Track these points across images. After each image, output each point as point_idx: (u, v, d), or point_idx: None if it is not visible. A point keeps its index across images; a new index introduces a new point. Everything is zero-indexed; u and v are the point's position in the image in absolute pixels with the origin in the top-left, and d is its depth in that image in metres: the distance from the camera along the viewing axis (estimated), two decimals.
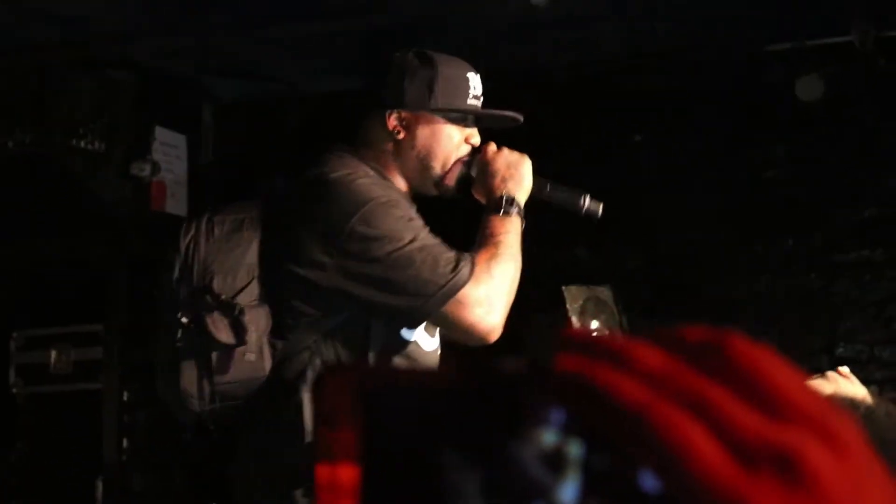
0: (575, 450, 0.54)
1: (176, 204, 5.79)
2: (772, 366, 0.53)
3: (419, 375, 0.60)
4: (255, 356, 2.79)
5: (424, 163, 2.94)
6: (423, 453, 0.55)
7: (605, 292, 5.51)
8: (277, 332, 2.80)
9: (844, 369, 2.26)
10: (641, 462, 0.52)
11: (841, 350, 5.59)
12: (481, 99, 3.02)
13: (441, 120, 2.94)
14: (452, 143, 2.97)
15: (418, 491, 0.56)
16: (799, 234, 5.68)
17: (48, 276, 5.98)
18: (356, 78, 5.97)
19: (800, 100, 5.51)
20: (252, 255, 2.83)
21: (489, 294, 2.72)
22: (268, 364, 2.79)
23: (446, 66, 2.95)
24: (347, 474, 0.57)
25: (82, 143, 5.46)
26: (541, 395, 0.55)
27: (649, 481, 0.53)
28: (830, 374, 2.20)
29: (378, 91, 2.97)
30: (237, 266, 2.82)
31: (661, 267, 5.78)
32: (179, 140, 5.87)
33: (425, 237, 2.74)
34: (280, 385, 2.79)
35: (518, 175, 3.01)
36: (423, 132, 2.92)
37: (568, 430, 0.54)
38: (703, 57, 5.71)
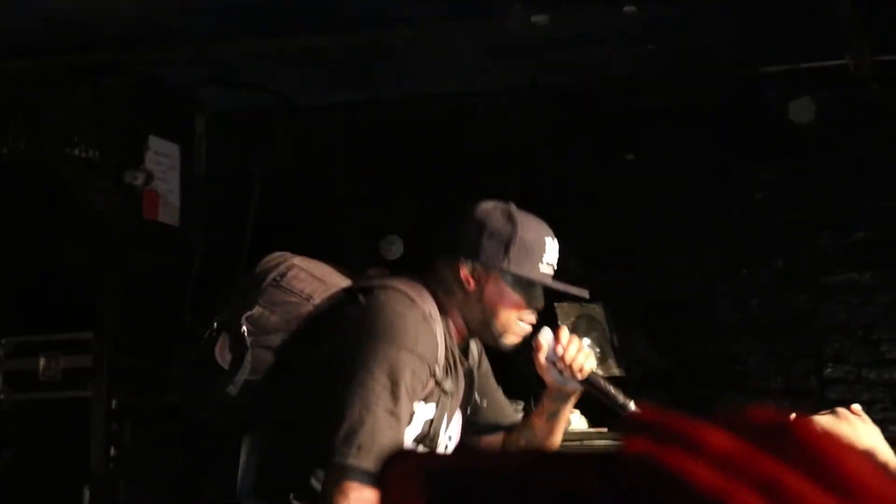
0: None
1: (169, 213, 5.82)
2: (840, 448, 0.54)
3: (482, 458, 0.60)
4: (235, 390, 3.05)
5: (486, 318, 3.04)
6: None
7: (596, 310, 5.60)
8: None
9: (857, 407, 2.23)
10: None
11: (829, 371, 5.72)
12: (553, 266, 3.08)
13: (510, 282, 3.02)
14: (517, 307, 3.05)
15: None
16: (788, 256, 5.80)
17: (39, 283, 5.98)
18: (347, 91, 6.11)
19: (792, 122, 5.64)
20: (292, 317, 3.05)
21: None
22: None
23: (526, 228, 3.04)
24: None
25: (76, 151, 5.48)
26: (607, 481, 0.54)
27: None
28: (842, 411, 2.14)
29: (456, 237, 3.09)
30: (276, 312, 3.06)
31: (652, 286, 5.88)
32: (173, 149, 5.90)
33: (391, 415, 2.84)
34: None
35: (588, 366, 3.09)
36: (490, 290, 3.02)
37: None
38: (698, 79, 5.82)
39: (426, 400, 3.01)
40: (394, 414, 2.84)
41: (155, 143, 5.77)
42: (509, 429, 3.38)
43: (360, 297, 2.99)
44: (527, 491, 0.56)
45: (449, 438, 3.15)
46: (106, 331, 5.66)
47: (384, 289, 2.99)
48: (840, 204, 5.74)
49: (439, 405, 3.06)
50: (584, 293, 3.18)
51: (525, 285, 3.05)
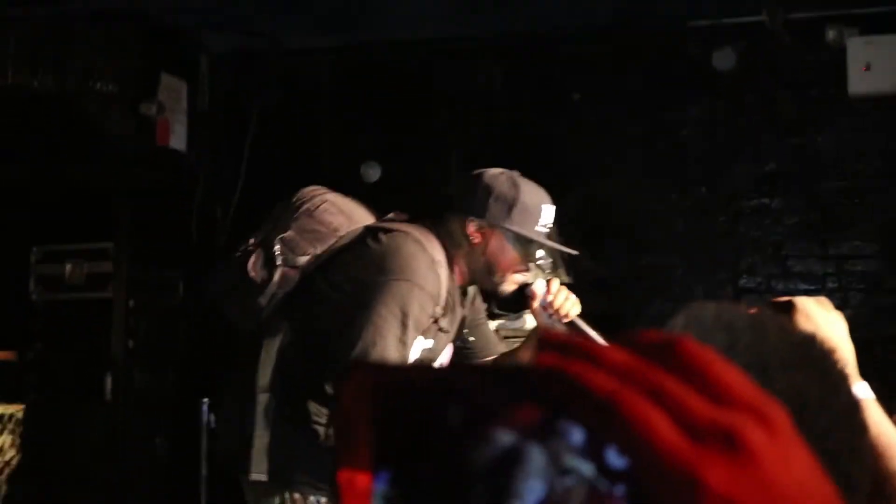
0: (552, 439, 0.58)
1: (177, 140, 6.32)
2: (715, 362, 0.58)
3: (419, 372, 0.63)
4: (264, 301, 3.28)
5: (488, 269, 3.28)
6: (426, 447, 0.59)
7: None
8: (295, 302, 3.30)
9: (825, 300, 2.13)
10: (610, 441, 0.57)
11: (743, 282, 6.19)
12: (548, 228, 3.29)
13: (511, 239, 3.25)
14: (515, 261, 3.28)
15: (425, 482, 0.60)
16: (709, 184, 6.25)
17: (66, 200, 6.35)
18: (331, 35, 6.58)
19: (715, 69, 6.09)
20: (319, 244, 3.29)
21: None
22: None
23: (527, 194, 3.26)
24: (364, 482, 0.60)
25: (97, 86, 5.92)
26: (518, 388, 0.59)
27: (616, 458, 0.57)
28: (822, 299, 1.88)
29: (465, 198, 3.30)
30: (306, 238, 3.29)
31: (595, 210, 6.26)
32: (181, 85, 6.38)
33: (399, 342, 3.06)
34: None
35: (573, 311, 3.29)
36: (493, 245, 3.25)
37: (586, 445, 0.58)
38: (635, 30, 6.27)
39: (425, 335, 3.19)
40: (402, 341, 3.06)
41: (166, 79, 6.24)
42: (495, 358, 3.60)
43: (381, 236, 3.19)
44: (448, 400, 0.60)
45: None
46: (124, 241, 6.13)
47: (401, 233, 3.20)
48: (754, 139, 6.15)
49: (436, 339, 3.26)
50: (573, 251, 3.45)
51: (524, 243, 3.26)
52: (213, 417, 5.70)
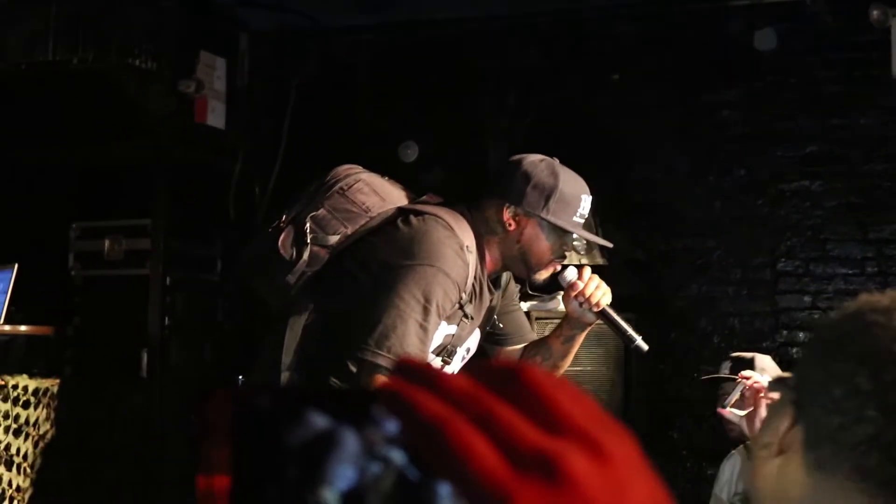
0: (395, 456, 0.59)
1: (216, 117, 6.35)
2: (557, 391, 0.59)
3: (272, 395, 0.63)
4: (293, 279, 3.25)
5: (522, 257, 3.26)
6: (275, 464, 0.61)
7: None
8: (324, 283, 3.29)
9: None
10: (436, 467, 0.58)
11: (781, 265, 6.17)
12: (585, 217, 3.24)
13: (546, 228, 3.20)
14: (549, 250, 3.25)
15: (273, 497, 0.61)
16: (749, 166, 6.22)
17: (105, 176, 6.41)
18: (369, 14, 6.60)
19: (756, 50, 6.06)
20: (350, 223, 3.27)
21: None
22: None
23: (566, 184, 3.20)
24: (221, 483, 0.61)
25: (137, 62, 5.90)
26: (359, 412, 0.61)
27: (441, 486, 0.58)
28: None
29: (503, 184, 3.27)
30: (337, 217, 3.27)
31: (631, 189, 6.29)
32: (220, 63, 6.40)
33: (420, 327, 3.05)
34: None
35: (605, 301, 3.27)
36: (528, 233, 3.21)
37: (391, 440, 0.60)
38: (676, 10, 6.26)
39: (449, 320, 3.18)
40: (423, 326, 3.05)
41: (205, 56, 6.26)
42: (527, 345, 3.59)
43: (411, 219, 3.17)
44: (294, 421, 0.61)
45: (467, 351, 3.37)
46: (162, 218, 6.15)
47: (432, 216, 3.17)
48: (795, 121, 6.11)
49: (460, 326, 3.24)
50: (608, 244, 3.50)
51: (559, 233, 3.22)
52: None
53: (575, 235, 3.33)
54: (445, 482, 0.58)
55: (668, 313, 6.23)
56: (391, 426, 0.60)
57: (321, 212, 3.28)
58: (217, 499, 0.62)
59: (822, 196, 6.14)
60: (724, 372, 4.43)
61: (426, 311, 3.06)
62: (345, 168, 3.42)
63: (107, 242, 6.31)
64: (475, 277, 3.22)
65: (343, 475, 0.60)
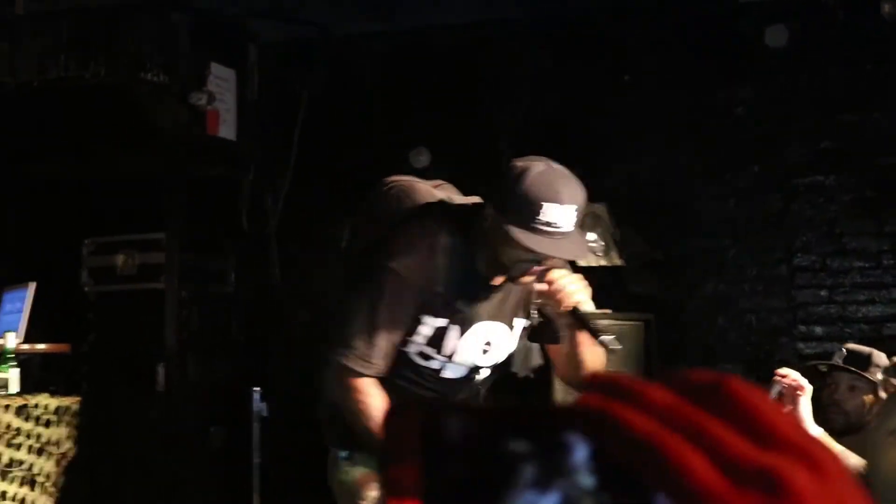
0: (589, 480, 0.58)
1: (227, 129, 6.35)
2: (762, 403, 0.58)
3: (474, 413, 0.63)
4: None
5: (493, 255, 3.19)
6: (474, 483, 0.60)
7: (601, 209, 5.96)
8: None
9: None
10: (651, 484, 0.57)
11: (798, 260, 6.16)
12: (553, 226, 3.04)
13: (512, 233, 3.06)
14: (513, 253, 3.13)
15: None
16: (763, 162, 6.20)
17: (117, 191, 6.38)
18: (376, 22, 6.61)
19: (768, 47, 6.06)
20: (381, 227, 3.39)
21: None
22: None
23: (530, 187, 3.04)
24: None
25: (148, 76, 5.94)
26: (563, 429, 0.60)
27: (660, 502, 0.57)
28: None
29: (493, 184, 3.20)
30: (369, 224, 3.45)
31: (645, 189, 6.28)
32: (230, 74, 6.41)
33: (368, 325, 3.21)
34: None
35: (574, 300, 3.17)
36: (496, 232, 3.11)
37: (591, 459, 0.59)
38: (686, 8, 6.26)
39: (436, 314, 3.24)
40: (371, 324, 3.19)
41: (216, 68, 6.27)
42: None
43: (406, 222, 3.27)
44: (497, 442, 0.60)
45: (488, 345, 3.36)
46: (176, 231, 6.15)
47: (417, 219, 3.26)
48: (808, 117, 6.10)
49: (453, 319, 3.27)
50: (568, 255, 3.20)
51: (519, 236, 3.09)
52: (265, 406, 5.76)
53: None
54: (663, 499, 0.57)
55: (685, 311, 6.23)
56: (582, 450, 0.59)
57: (357, 219, 3.53)
58: None
59: (837, 191, 6.13)
60: (837, 362, 4.41)
61: (374, 309, 3.20)
62: (393, 177, 3.50)
63: (120, 257, 6.34)
64: (465, 273, 3.24)
65: (536, 502, 0.58)
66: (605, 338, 3.10)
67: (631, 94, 6.41)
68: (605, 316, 5.51)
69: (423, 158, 6.66)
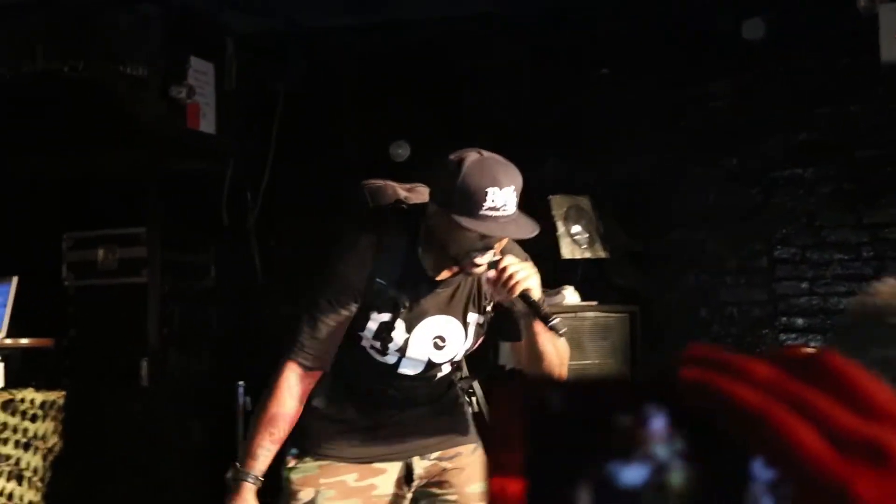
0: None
1: (207, 123, 6.31)
2: (860, 376, 0.59)
3: (576, 386, 0.63)
4: None
5: (442, 249, 3.23)
6: (573, 455, 0.60)
7: (584, 202, 6.02)
8: None
9: None
10: (757, 453, 0.58)
11: (778, 252, 6.20)
12: (499, 210, 3.09)
13: (457, 223, 3.10)
14: (464, 243, 3.17)
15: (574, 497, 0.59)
16: (741, 155, 6.25)
17: (96, 185, 6.38)
18: (352, 16, 6.59)
19: (744, 39, 6.09)
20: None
21: None
22: None
23: (470, 177, 3.09)
24: (515, 487, 0.61)
25: (127, 70, 5.88)
26: (666, 402, 0.60)
27: (761, 470, 0.59)
28: None
29: (434, 180, 3.27)
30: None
31: (628, 181, 6.32)
32: (208, 68, 6.36)
33: (324, 316, 3.28)
34: None
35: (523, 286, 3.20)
36: (444, 226, 3.16)
37: (683, 429, 0.60)
38: (662, 1, 6.31)
39: (379, 310, 3.32)
40: (316, 318, 3.26)
41: (195, 62, 6.23)
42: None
43: (351, 226, 3.42)
44: (601, 415, 0.61)
45: (440, 339, 3.41)
46: (156, 226, 6.15)
47: (364, 217, 3.41)
48: (785, 110, 6.15)
49: (397, 313, 3.33)
50: (519, 235, 3.22)
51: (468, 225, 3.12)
52: (248, 400, 5.74)
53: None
54: (771, 470, 0.59)
55: (667, 304, 6.27)
56: (674, 420, 0.60)
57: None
58: (510, 503, 0.61)
59: (816, 183, 6.18)
60: None
61: (315, 304, 3.28)
62: (367, 181, 3.61)
63: (100, 252, 6.31)
64: (408, 269, 3.31)
65: (639, 474, 0.60)
66: (554, 322, 3.15)
67: (608, 87, 6.43)
68: (591, 308, 5.69)
69: (402, 152, 6.66)
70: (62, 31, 5.94)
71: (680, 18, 6.33)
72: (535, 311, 3.18)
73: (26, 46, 5.94)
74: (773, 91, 6.22)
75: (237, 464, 3.34)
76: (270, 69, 6.81)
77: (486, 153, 3.18)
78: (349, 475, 3.53)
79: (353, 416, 3.56)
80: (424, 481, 3.60)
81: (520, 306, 3.23)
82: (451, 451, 3.60)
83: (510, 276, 3.16)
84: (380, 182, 3.59)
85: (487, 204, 3.08)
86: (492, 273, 3.19)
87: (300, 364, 3.31)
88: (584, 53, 6.49)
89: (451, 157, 3.19)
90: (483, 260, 3.18)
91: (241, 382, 5.76)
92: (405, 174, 3.69)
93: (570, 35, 6.52)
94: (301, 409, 3.36)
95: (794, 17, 6.13)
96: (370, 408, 3.56)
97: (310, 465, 3.51)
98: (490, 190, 3.09)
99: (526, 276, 3.18)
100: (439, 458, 3.60)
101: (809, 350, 0.61)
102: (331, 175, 6.60)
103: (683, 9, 6.30)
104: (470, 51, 6.67)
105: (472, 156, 3.16)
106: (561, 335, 3.21)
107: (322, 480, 3.50)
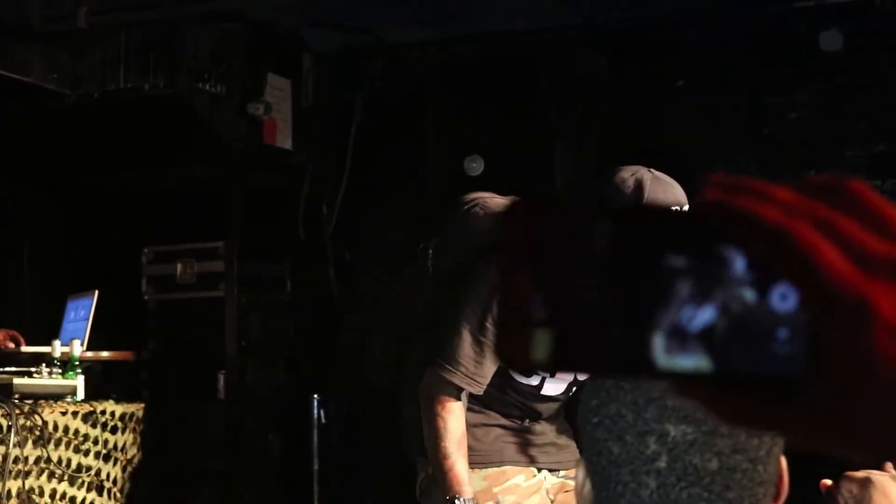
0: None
1: (284, 138, 6.40)
2: (885, 202, 0.59)
3: (617, 216, 0.62)
4: None
5: None
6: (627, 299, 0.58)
7: None
8: None
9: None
10: (777, 271, 0.58)
11: None
12: None
13: None
14: None
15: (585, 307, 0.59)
16: (818, 167, 6.14)
17: (175, 200, 6.49)
18: (430, 29, 6.63)
19: (822, 51, 6.04)
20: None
21: None
22: None
23: (654, 195, 3.21)
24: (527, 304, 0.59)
25: (206, 87, 6.02)
26: (691, 223, 0.60)
27: (780, 301, 0.58)
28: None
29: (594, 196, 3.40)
30: (448, 245, 3.61)
31: (700, 195, 6.22)
32: (285, 84, 6.46)
33: (490, 339, 3.22)
34: None
35: None
36: None
37: (748, 270, 0.58)
38: (739, 13, 6.26)
39: None
40: (481, 342, 3.26)
41: (272, 78, 6.34)
42: None
43: None
44: (654, 256, 0.60)
45: None
46: (235, 240, 6.22)
47: None
48: (864, 121, 6.08)
49: None
50: None
51: None
52: (323, 413, 5.80)
53: None
54: (792, 288, 0.58)
55: None
56: (739, 261, 0.60)
57: (437, 241, 3.61)
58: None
59: (894, 195, 5.93)
60: None
61: (483, 326, 3.25)
62: (472, 194, 3.59)
63: (179, 266, 6.39)
64: None
65: (702, 314, 0.59)
66: None
67: (685, 99, 6.40)
68: None
69: (476, 166, 6.67)
70: (146, 50, 6.06)
71: (757, 30, 6.29)
72: None
73: (111, 66, 6.06)
74: (851, 102, 6.15)
75: (454, 494, 3.21)
76: (347, 84, 6.85)
77: (654, 171, 3.24)
78: (516, 477, 3.47)
79: (503, 422, 3.51)
80: (552, 496, 3.55)
81: None
82: (572, 472, 3.59)
83: None
84: (485, 195, 3.55)
85: None
86: None
87: (462, 387, 3.28)
88: (659, 65, 6.47)
89: (624, 175, 3.21)
90: None
91: (315, 395, 5.84)
92: (480, 189, 3.68)
93: (647, 47, 6.50)
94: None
95: (872, 27, 6.06)
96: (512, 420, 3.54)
97: (474, 480, 3.36)
98: (675, 209, 3.05)
99: None
100: (565, 477, 3.56)
101: (834, 176, 0.62)
102: (405, 189, 6.63)
103: (761, 20, 6.26)
104: (547, 63, 6.65)
105: (645, 174, 3.21)
106: None
107: (495, 489, 3.42)
